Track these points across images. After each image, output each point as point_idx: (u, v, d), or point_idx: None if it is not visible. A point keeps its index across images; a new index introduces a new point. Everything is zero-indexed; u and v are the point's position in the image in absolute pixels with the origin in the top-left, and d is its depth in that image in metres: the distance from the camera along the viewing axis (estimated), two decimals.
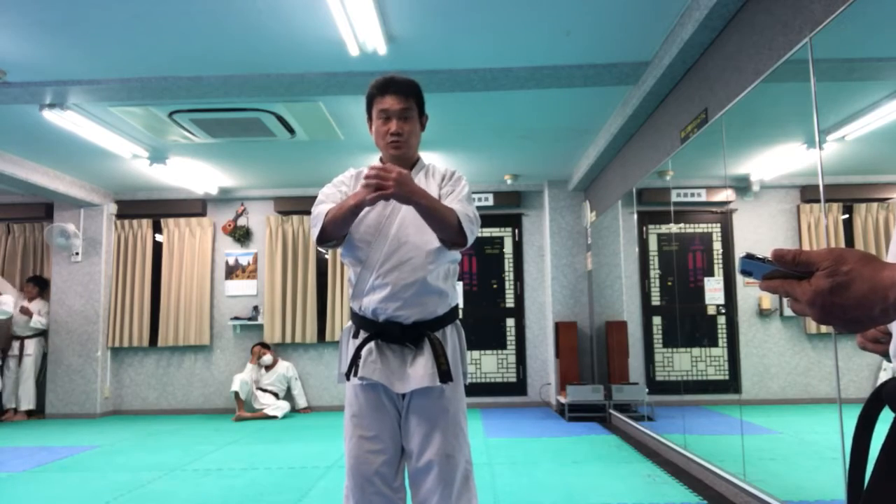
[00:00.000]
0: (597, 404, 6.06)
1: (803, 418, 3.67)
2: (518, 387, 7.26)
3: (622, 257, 5.63)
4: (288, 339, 7.14)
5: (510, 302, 7.37)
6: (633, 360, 5.62)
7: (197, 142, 5.31)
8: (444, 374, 1.79)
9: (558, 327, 6.71)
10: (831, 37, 2.35)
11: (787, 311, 3.74)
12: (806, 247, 3.49)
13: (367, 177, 1.66)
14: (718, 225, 4.32)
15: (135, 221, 7.38)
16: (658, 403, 5.07)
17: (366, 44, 3.53)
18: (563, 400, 6.20)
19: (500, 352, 7.32)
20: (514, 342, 7.33)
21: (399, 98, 1.86)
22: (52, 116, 4.48)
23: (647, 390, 5.22)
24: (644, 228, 5.19)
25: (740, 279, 3.93)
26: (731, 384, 4.03)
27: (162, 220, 7.41)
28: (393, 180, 1.63)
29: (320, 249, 7.07)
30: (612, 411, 5.92)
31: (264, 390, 6.83)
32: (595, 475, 3.93)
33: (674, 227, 4.59)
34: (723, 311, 4.21)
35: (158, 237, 7.46)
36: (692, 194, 4.33)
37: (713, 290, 4.29)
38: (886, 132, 2.62)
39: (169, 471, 4.27)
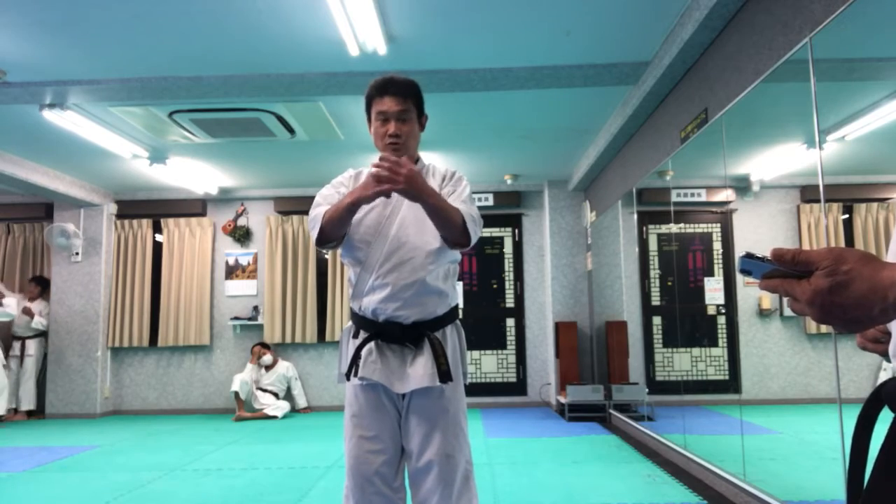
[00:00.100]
0: (597, 404, 6.06)
1: (803, 418, 3.67)
2: (518, 387, 7.26)
3: (622, 257, 5.63)
4: (288, 339, 7.14)
5: (510, 302, 7.37)
6: (633, 360, 5.62)
7: (197, 142, 5.31)
8: (444, 374, 1.79)
9: (558, 327, 6.71)
10: (831, 37, 2.35)
11: (787, 311, 3.74)
12: (806, 247, 3.49)
13: (377, 165, 1.64)
14: (718, 225, 4.32)
15: (135, 221, 7.38)
16: (658, 403, 5.07)
17: (366, 44, 3.53)
18: (563, 400, 6.20)
19: (500, 352, 7.32)
20: (514, 342, 7.33)
21: (397, 99, 1.86)
22: (52, 116, 4.48)
23: (647, 390, 5.22)
24: (644, 228, 5.19)
25: (740, 279, 3.93)
26: (731, 384, 4.03)
27: (162, 220, 7.41)
28: (404, 176, 1.62)
29: (321, 250, 7.07)
30: (612, 411, 5.92)
31: (264, 390, 6.83)
32: (595, 475, 3.93)
33: (674, 227, 4.59)
34: (723, 311, 4.21)
35: (158, 237, 7.46)
36: (692, 194, 4.33)
37: (713, 290, 4.29)
38: (886, 132, 2.62)
39: (169, 471, 4.27)
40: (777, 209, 3.75)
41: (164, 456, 4.79)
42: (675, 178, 4.26)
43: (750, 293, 3.92)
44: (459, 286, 7.06)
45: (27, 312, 6.84)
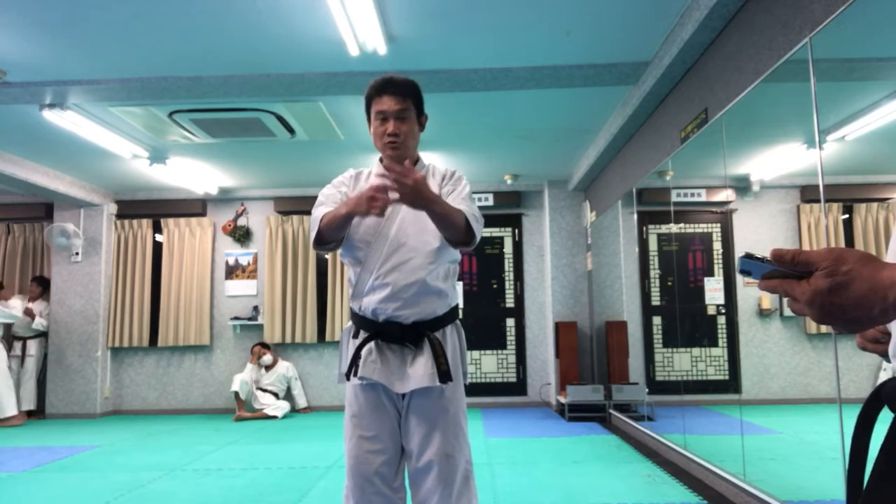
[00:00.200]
0: (597, 404, 6.06)
1: (803, 418, 3.67)
2: (518, 387, 7.26)
3: (622, 257, 5.63)
4: (288, 339, 7.14)
5: (510, 302, 7.37)
6: (633, 360, 5.62)
7: (197, 142, 5.31)
8: (444, 374, 1.79)
9: (558, 327, 6.71)
10: (831, 37, 2.35)
11: (787, 311, 3.74)
12: (806, 247, 3.49)
13: (384, 175, 1.63)
14: (718, 225, 4.32)
15: (135, 221, 7.38)
16: (658, 403, 5.07)
17: (366, 44, 3.53)
18: (563, 400, 6.20)
19: (500, 352, 7.32)
20: (514, 342, 7.33)
21: (396, 99, 1.86)
22: (52, 116, 4.48)
23: (647, 390, 5.22)
24: (644, 228, 5.19)
25: (740, 279, 3.93)
26: (731, 384, 4.03)
27: (162, 220, 7.41)
28: (411, 187, 1.60)
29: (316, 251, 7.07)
30: (612, 411, 5.92)
31: (264, 390, 6.83)
32: (595, 475, 3.93)
33: (674, 227, 4.59)
34: (723, 311, 4.20)
35: (158, 237, 7.46)
36: (692, 194, 4.33)
37: (713, 290, 4.29)
38: (886, 132, 2.62)
39: (169, 471, 4.27)
40: (777, 209, 3.75)
41: (164, 456, 4.79)
42: (675, 178, 4.26)
43: (750, 293, 3.92)
44: (459, 286, 7.06)
45: (28, 313, 6.84)
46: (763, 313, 3.86)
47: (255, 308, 7.31)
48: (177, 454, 4.83)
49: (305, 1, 3.15)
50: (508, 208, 7.36)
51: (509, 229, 7.46)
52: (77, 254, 7.14)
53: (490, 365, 7.30)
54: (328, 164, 6.03)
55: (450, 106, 4.61)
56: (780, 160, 3.59)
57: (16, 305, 6.71)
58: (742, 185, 3.78)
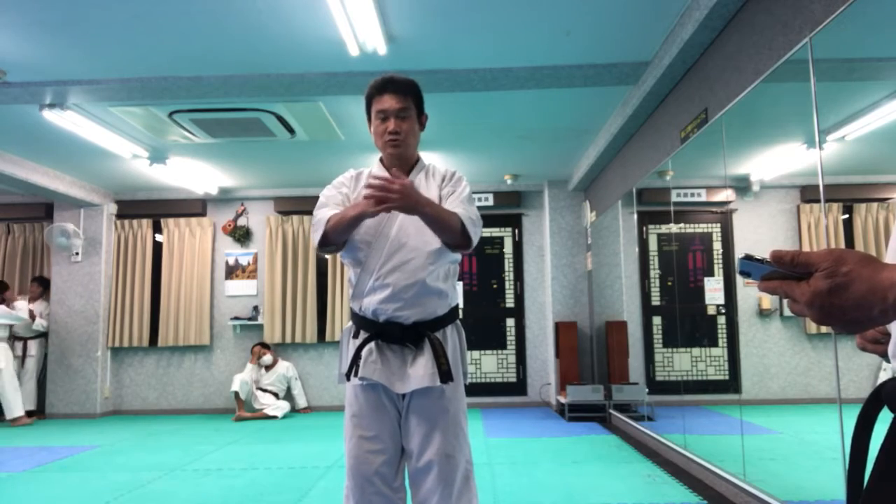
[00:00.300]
0: (597, 404, 6.06)
1: (803, 418, 3.67)
2: (518, 387, 7.26)
3: (622, 257, 5.63)
4: (288, 339, 7.14)
5: (510, 302, 7.37)
6: (633, 360, 5.62)
7: (197, 142, 5.31)
8: (445, 375, 1.79)
9: (558, 327, 6.71)
10: (831, 37, 2.35)
11: (787, 312, 3.74)
12: (806, 247, 3.50)
13: (369, 186, 1.65)
14: (718, 225, 4.32)
15: (135, 221, 7.38)
16: (658, 403, 5.07)
17: (366, 44, 3.53)
18: (563, 400, 6.20)
19: (500, 352, 7.32)
20: (514, 342, 7.33)
21: (397, 97, 1.86)
22: (52, 116, 4.48)
23: (647, 390, 5.22)
24: (644, 228, 5.19)
25: (740, 279, 3.93)
26: (731, 384, 4.03)
27: (162, 220, 7.41)
28: (398, 192, 1.62)
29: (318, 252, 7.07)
30: (612, 411, 5.92)
31: (264, 390, 6.83)
32: (595, 475, 3.93)
33: (674, 227, 4.59)
34: (723, 311, 4.20)
35: (158, 237, 7.46)
36: (692, 194, 4.33)
37: (713, 290, 4.29)
38: (886, 132, 2.62)
39: (169, 471, 4.27)
40: (777, 209, 3.75)
41: (164, 456, 4.79)
42: (675, 178, 4.26)
43: (750, 293, 3.92)
44: (459, 286, 7.06)
45: (29, 314, 6.84)
46: (763, 313, 3.86)
47: (255, 308, 7.31)
48: (177, 454, 4.83)
49: (305, 1, 3.15)
50: (508, 208, 7.36)
51: (509, 229, 7.46)
52: (77, 254, 7.14)
53: (490, 365, 7.30)
54: (328, 164, 6.03)
55: (450, 106, 4.61)
56: (780, 160, 3.59)
57: (21, 307, 6.70)
58: (742, 185, 3.78)
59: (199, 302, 7.22)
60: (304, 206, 7.16)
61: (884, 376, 2.81)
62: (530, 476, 3.92)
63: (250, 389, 6.71)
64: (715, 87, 3.39)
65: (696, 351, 4.33)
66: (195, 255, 7.30)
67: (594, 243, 6.66)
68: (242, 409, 6.66)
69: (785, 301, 0.72)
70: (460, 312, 1.99)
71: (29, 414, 6.86)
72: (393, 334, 1.83)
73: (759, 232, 3.81)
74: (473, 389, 7.11)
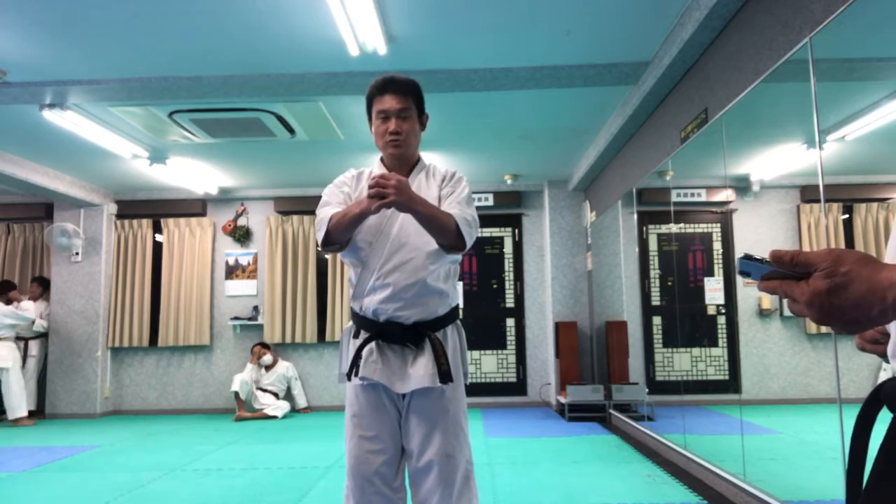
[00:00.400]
0: (597, 404, 6.06)
1: (803, 418, 3.67)
2: (518, 387, 7.26)
3: (622, 257, 5.63)
4: (288, 339, 7.15)
5: (510, 302, 7.37)
6: (633, 360, 5.62)
7: (197, 142, 5.31)
8: (445, 375, 1.79)
9: (558, 327, 6.71)
10: (831, 37, 2.35)
11: (787, 311, 3.74)
12: (806, 247, 3.50)
13: (369, 186, 1.67)
14: (718, 225, 4.32)
15: (135, 221, 7.38)
16: (658, 403, 5.07)
17: (366, 44, 3.53)
18: (563, 400, 6.20)
19: (500, 352, 7.32)
20: (514, 342, 7.33)
21: (398, 97, 1.87)
22: (52, 116, 4.48)
23: (647, 390, 5.22)
24: (644, 228, 5.19)
25: (740, 279, 3.93)
26: (731, 384, 4.03)
27: (162, 220, 7.41)
28: (393, 188, 1.63)
29: (321, 251, 7.07)
30: (612, 411, 5.92)
31: (264, 390, 6.83)
32: (595, 475, 3.93)
33: (674, 227, 4.59)
34: (723, 311, 4.20)
35: (158, 237, 7.46)
36: (692, 194, 4.33)
37: (713, 290, 4.29)
38: (886, 132, 2.62)
39: (169, 471, 4.27)
40: (777, 209, 3.75)
41: (164, 456, 4.79)
42: (675, 178, 4.26)
43: (750, 293, 3.92)
44: (459, 286, 7.06)
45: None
46: (763, 313, 3.86)
47: (255, 308, 7.31)
48: (177, 454, 4.83)
49: (305, 1, 3.15)
50: (508, 208, 7.36)
51: (509, 229, 7.46)
52: (77, 254, 7.14)
53: (490, 365, 7.30)
54: (328, 164, 6.03)
55: (450, 106, 4.61)
56: (780, 160, 3.59)
57: (28, 307, 6.70)
58: (742, 185, 3.78)
59: (199, 302, 7.22)
60: (304, 206, 7.16)
61: (884, 376, 2.81)
62: (530, 476, 3.92)
63: (250, 389, 6.71)
64: (715, 87, 3.39)
65: (696, 351, 4.33)
66: (195, 255, 7.30)
67: (594, 243, 6.66)
68: (242, 409, 6.66)
69: (785, 301, 0.72)
70: (460, 312, 2.00)
71: (29, 414, 6.87)
72: (393, 334, 1.83)
73: (759, 232, 3.81)
74: (473, 389, 7.11)
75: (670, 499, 3.38)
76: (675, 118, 4.02)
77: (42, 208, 7.32)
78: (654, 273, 5.19)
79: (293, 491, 3.69)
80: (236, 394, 6.61)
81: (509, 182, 7.13)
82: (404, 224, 1.84)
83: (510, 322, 7.35)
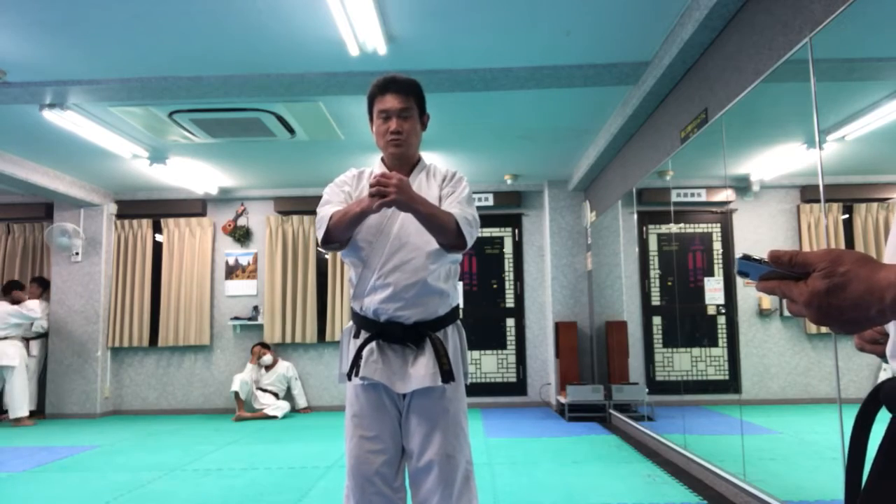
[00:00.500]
0: (597, 404, 6.06)
1: (803, 418, 3.67)
2: (518, 387, 7.26)
3: (622, 257, 5.63)
4: (288, 339, 7.15)
5: (510, 302, 7.37)
6: (633, 360, 5.62)
7: (197, 142, 5.31)
8: (446, 374, 1.79)
9: (558, 327, 6.71)
10: (831, 37, 2.35)
11: (787, 312, 3.74)
12: (806, 247, 3.50)
13: (370, 185, 1.67)
14: (718, 225, 4.32)
15: (135, 221, 7.39)
16: (658, 403, 5.07)
17: (366, 44, 3.53)
18: (563, 400, 6.20)
19: (500, 352, 7.32)
20: (514, 342, 7.33)
21: (399, 97, 1.87)
22: (52, 116, 4.48)
23: (647, 390, 5.22)
24: (644, 228, 5.19)
25: (740, 279, 3.93)
26: (731, 384, 4.03)
27: (162, 220, 7.41)
28: (394, 187, 1.64)
29: (321, 250, 7.08)
30: (612, 411, 5.92)
31: (264, 390, 6.83)
32: (595, 475, 3.93)
33: (674, 227, 4.59)
34: (723, 311, 4.20)
35: (158, 237, 7.46)
36: (692, 194, 4.33)
37: (713, 290, 4.29)
38: (886, 132, 2.62)
39: (169, 471, 4.27)
40: (777, 209, 3.75)
41: (164, 456, 4.79)
42: (675, 178, 4.26)
43: (750, 293, 3.92)
44: (459, 286, 7.06)
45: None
46: (763, 313, 3.86)
47: (255, 308, 7.31)
48: (177, 454, 4.84)
49: (305, 1, 3.15)
50: (508, 208, 7.36)
51: (509, 229, 7.46)
52: (77, 254, 7.14)
53: (490, 365, 7.30)
54: (328, 164, 6.03)
55: (450, 106, 4.61)
56: (780, 160, 3.59)
57: (34, 307, 6.70)
58: (742, 185, 3.78)
59: (199, 302, 7.22)
60: (304, 206, 7.16)
61: (884, 376, 2.81)
62: (530, 476, 3.92)
63: (250, 389, 6.71)
64: (715, 87, 3.39)
65: (696, 351, 4.33)
66: (195, 255, 7.30)
67: (594, 243, 6.66)
68: (242, 409, 6.66)
69: (784, 301, 0.72)
70: (461, 312, 2.00)
71: (30, 414, 6.87)
72: (394, 334, 1.84)
73: (759, 232, 3.81)
74: (473, 389, 7.11)
75: (670, 499, 3.38)
76: (675, 118, 4.02)
77: (42, 208, 7.32)
78: (654, 273, 5.19)
79: (293, 491, 3.69)
80: (236, 394, 6.61)
81: (509, 182, 7.13)
82: (405, 224, 1.84)
83: (510, 322, 7.35)
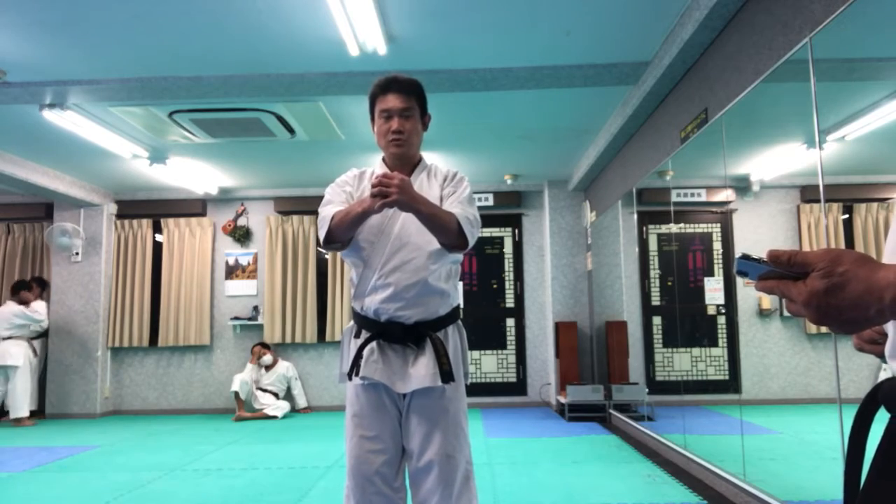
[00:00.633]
0: (597, 404, 6.05)
1: (803, 418, 3.67)
2: (518, 387, 7.26)
3: (622, 257, 5.63)
4: (288, 339, 7.15)
5: (510, 302, 7.37)
6: (633, 360, 5.62)
7: (197, 142, 5.32)
8: (446, 375, 1.79)
9: (558, 327, 6.71)
10: (831, 37, 2.35)
11: (787, 311, 3.74)
12: (806, 247, 3.50)
13: (372, 185, 1.67)
14: (718, 225, 4.32)
15: (135, 221, 7.39)
16: (658, 403, 5.07)
17: (366, 44, 3.53)
18: (563, 400, 6.20)
19: (500, 352, 7.32)
20: (514, 342, 7.33)
21: (401, 97, 1.87)
22: (52, 116, 4.48)
23: (647, 390, 5.22)
24: (644, 228, 5.19)
25: (740, 279, 3.93)
26: (731, 384, 4.03)
27: (162, 220, 7.41)
28: (396, 187, 1.64)
29: (321, 250, 7.08)
30: (612, 411, 5.92)
31: (264, 390, 6.83)
32: (595, 475, 3.93)
33: (674, 227, 4.59)
34: (723, 311, 4.20)
35: (158, 237, 7.46)
36: (692, 194, 4.33)
37: (713, 290, 4.29)
38: (886, 132, 2.62)
39: (169, 471, 4.27)
40: (777, 209, 3.75)
41: (164, 456, 4.79)
42: (675, 178, 4.26)
43: (750, 293, 3.92)
44: (460, 286, 7.06)
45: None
46: (763, 313, 3.86)
47: (255, 308, 7.31)
48: (177, 454, 4.84)
49: (305, 1, 3.15)
50: (508, 208, 7.36)
51: (509, 229, 7.46)
52: (77, 254, 7.14)
53: (490, 365, 7.30)
54: (328, 164, 6.03)
55: (450, 106, 4.61)
56: (780, 160, 3.59)
57: (40, 309, 6.70)
58: (742, 185, 3.78)
59: (199, 302, 7.22)
60: (304, 206, 7.16)
61: (884, 376, 2.81)
62: (530, 476, 3.92)
63: (250, 389, 6.71)
64: (715, 87, 3.39)
65: (696, 351, 4.33)
66: (195, 255, 7.31)
67: (594, 243, 6.66)
68: (242, 409, 6.66)
69: (783, 301, 0.72)
70: (461, 312, 2.00)
71: (30, 414, 6.87)
72: (394, 334, 1.84)
73: (759, 232, 3.81)
74: (473, 389, 7.11)
75: (670, 499, 3.38)
76: (675, 118, 4.02)
77: (42, 208, 7.32)
78: (654, 273, 5.19)
79: (293, 491, 3.69)
80: (236, 394, 6.61)
81: (509, 182, 7.13)
82: (406, 224, 1.84)
83: (510, 322, 7.35)
